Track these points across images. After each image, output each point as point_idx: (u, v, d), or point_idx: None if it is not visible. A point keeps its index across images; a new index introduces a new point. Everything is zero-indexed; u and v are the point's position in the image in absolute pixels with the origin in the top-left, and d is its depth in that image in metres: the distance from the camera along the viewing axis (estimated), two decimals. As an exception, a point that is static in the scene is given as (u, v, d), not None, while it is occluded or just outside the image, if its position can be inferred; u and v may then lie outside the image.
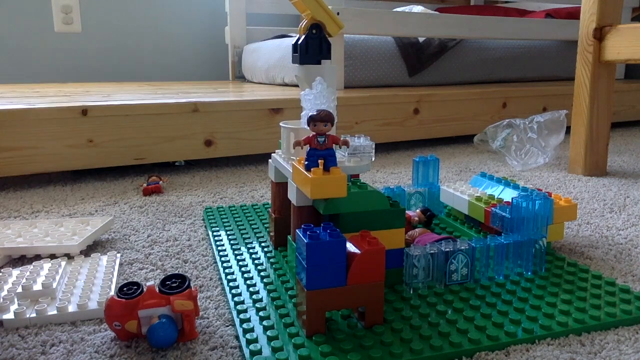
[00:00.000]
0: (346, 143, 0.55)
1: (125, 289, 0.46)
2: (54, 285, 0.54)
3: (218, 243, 0.69)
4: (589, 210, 0.86)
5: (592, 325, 0.48)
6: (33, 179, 1.08)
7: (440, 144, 1.48)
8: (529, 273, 0.58)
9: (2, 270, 0.60)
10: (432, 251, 0.55)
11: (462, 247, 0.55)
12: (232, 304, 0.52)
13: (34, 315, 0.50)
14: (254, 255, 0.64)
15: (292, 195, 0.58)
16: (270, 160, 0.69)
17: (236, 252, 0.66)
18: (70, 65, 1.97)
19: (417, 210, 0.74)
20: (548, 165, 1.20)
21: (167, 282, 0.47)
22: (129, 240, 0.72)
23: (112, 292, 0.54)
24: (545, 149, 1.19)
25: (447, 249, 0.55)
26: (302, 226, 0.46)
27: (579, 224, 0.79)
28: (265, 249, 0.66)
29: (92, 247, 0.69)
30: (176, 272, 0.61)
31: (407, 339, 0.45)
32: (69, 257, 0.64)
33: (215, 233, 0.73)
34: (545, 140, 1.20)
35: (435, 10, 1.97)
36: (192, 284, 0.49)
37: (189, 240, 0.72)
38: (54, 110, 1.00)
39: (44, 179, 1.08)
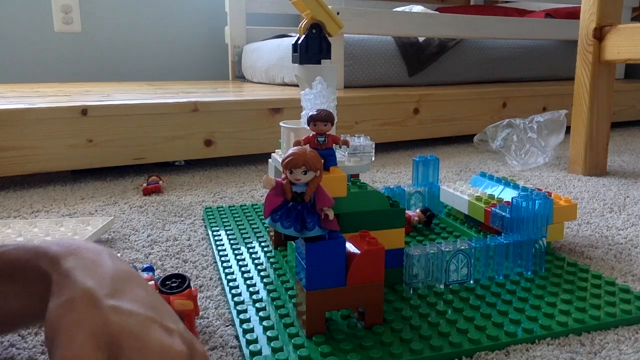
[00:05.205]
0: (346, 143, 0.55)
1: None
2: (54, 285, 0.54)
3: (218, 243, 0.69)
4: (589, 210, 0.86)
5: (592, 325, 0.48)
6: (33, 179, 1.08)
7: (440, 144, 1.48)
8: (529, 273, 0.58)
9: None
10: (432, 251, 0.55)
11: (462, 247, 0.55)
12: (232, 303, 0.52)
13: (33, 315, 0.50)
14: (254, 255, 0.64)
15: (292, 195, 0.57)
16: (270, 160, 0.69)
17: (236, 252, 0.66)
18: (70, 65, 1.97)
19: (417, 210, 0.74)
20: (548, 165, 1.20)
21: (167, 282, 0.47)
22: (128, 240, 0.72)
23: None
24: (545, 149, 1.19)
25: (447, 249, 0.55)
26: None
27: (579, 223, 0.79)
28: (265, 249, 0.66)
29: (92, 247, 0.69)
30: (176, 271, 0.61)
31: (407, 339, 0.45)
32: (69, 257, 0.64)
33: (215, 233, 0.73)
34: (545, 140, 1.20)
35: (435, 10, 1.97)
36: (192, 284, 0.49)
37: (188, 240, 0.72)
38: (54, 110, 1.00)
39: (44, 179, 1.08)
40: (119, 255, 0.64)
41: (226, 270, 0.60)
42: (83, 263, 0.34)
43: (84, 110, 1.02)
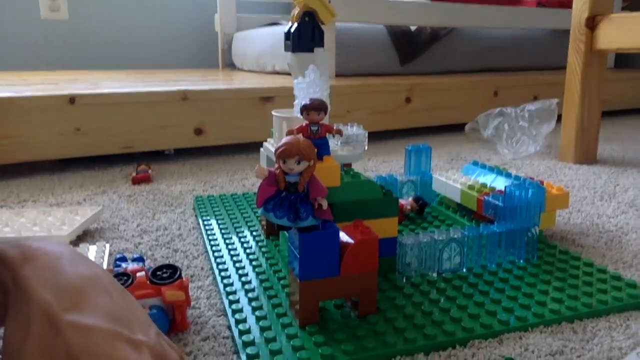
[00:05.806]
0: (340, 132, 0.55)
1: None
2: (43, 275, 0.53)
3: (209, 232, 0.68)
4: (580, 198, 0.86)
5: (584, 312, 0.48)
6: (19, 168, 1.06)
7: (432, 133, 1.47)
8: (521, 261, 0.58)
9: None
10: (425, 240, 0.55)
11: (455, 236, 0.55)
12: (223, 293, 0.52)
13: (22, 306, 0.49)
14: (245, 245, 0.64)
15: (284, 184, 0.57)
16: (262, 149, 0.69)
17: (227, 241, 0.65)
18: (57, 53, 1.94)
19: (410, 199, 0.74)
20: (539, 154, 1.20)
21: (158, 273, 0.47)
22: (118, 229, 0.71)
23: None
24: (536, 138, 1.19)
25: (440, 238, 0.55)
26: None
27: (570, 211, 0.79)
28: (257, 238, 0.66)
29: (81, 237, 0.68)
30: (166, 261, 0.61)
31: (400, 328, 0.45)
32: (58, 247, 0.63)
33: (206, 222, 0.72)
34: (536, 129, 1.20)
35: (426, -2, 1.96)
36: (183, 274, 0.49)
37: (179, 229, 0.72)
38: (41, 99, 0.98)
39: (31, 168, 1.07)
40: (108, 245, 0.64)
41: (217, 260, 0.59)
42: (40, 272, 0.32)
43: (72, 99, 1.00)
